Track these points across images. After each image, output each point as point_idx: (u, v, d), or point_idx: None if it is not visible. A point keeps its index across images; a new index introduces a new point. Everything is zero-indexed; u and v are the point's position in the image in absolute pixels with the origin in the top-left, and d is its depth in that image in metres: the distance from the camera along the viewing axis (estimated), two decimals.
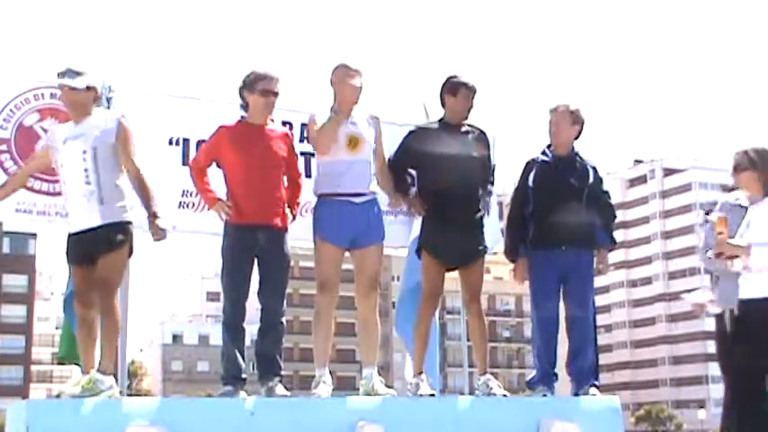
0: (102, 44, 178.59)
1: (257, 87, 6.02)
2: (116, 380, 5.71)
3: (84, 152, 5.54)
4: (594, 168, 6.77)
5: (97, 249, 5.56)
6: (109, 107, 6.41)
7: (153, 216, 5.53)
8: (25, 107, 6.40)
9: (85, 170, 5.53)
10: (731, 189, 6.41)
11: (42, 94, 6.47)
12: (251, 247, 5.94)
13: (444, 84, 6.46)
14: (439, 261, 6.36)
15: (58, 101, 6.46)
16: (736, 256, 5.48)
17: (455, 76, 6.45)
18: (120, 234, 5.57)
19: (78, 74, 5.61)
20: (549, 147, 6.79)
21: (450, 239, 6.27)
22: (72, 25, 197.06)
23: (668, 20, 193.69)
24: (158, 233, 5.55)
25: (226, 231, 6.03)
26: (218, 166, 6.17)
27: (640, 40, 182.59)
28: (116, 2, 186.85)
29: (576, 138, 6.77)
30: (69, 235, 5.66)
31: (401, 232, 7.24)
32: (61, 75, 5.62)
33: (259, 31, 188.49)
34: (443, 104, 6.49)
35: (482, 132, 6.55)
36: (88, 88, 5.61)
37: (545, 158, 6.73)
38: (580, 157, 6.76)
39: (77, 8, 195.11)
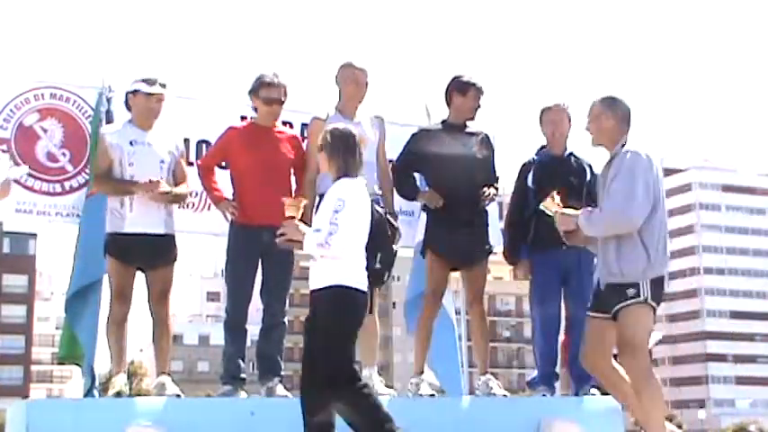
0: (102, 44, 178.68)
1: (261, 95, 6.07)
2: None
3: (162, 162, 5.91)
4: (590, 166, 6.78)
5: (158, 256, 5.90)
6: (109, 108, 6.42)
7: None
8: (25, 107, 6.40)
9: (161, 178, 5.84)
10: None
11: (42, 95, 6.47)
12: (255, 248, 5.94)
13: (451, 83, 6.45)
14: (443, 261, 6.36)
15: (58, 101, 6.48)
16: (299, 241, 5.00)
17: (462, 76, 6.44)
18: (176, 248, 6.01)
19: (156, 83, 5.96)
20: (543, 147, 6.79)
21: (454, 240, 6.26)
22: (72, 25, 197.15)
23: (668, 19, 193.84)
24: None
25: (231, 231, 6.04)
26: (224, 167, 6.18)
27: (640, 39, 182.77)
28: (116, 1, 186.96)
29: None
30: (124, 234, 5.82)
31: (402, 232, 7.22)
32: (146, 82, 5.93)
33: (260, 30, 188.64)
34: (449, 103, 6.48)
35: (486, 135, 6.54)
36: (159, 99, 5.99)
37: (542, 159, 6.73)
38: (575, 156, 6.76)
39: (78, 7, 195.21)
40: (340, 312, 4.87)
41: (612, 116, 5.40)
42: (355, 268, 4.92)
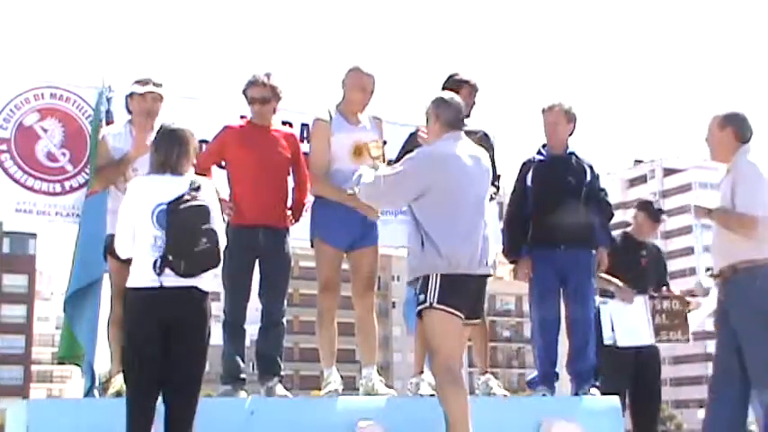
0: (101, 44, 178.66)
1: (246, 95, 6.12)
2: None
3: None
4: (591, 166, 6.78)
5: None
6: (109, 108, 6.43)
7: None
8: (25, 107, 6.40)
9: None
10: None
11: (42, 94, 6.47)
12: (252, 248, 5.94)
13: (446, 81, 6.44)
14: None
15: (58, 100, 6.48)
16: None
17: (457, 74, 6.44)
18: None
19: (150, 83, 5.99)
20: (544, 146, 6.80)
21: None
22: (72, 25, 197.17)
23: (668, 19, 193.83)
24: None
25: (227, 231, 6.03)
26: (222, 167, 6.18)
27: (640, 39, 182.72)
28: (116, 1, 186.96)
29: (570, 135, 6.78)
30: None
31: (401, 232, 7.22)
32: (139, 83, 5.98)
33: (260, 30, 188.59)
34: None
35: (485, 133, 6.53)
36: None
37: (542, 158, 6.72)
38: (576, 156, 6.76)
39: (78, 7, 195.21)
40: (126, 317, 4.95)
41: (436, 119, 5.47)
42: (136, 267, 4.90)
